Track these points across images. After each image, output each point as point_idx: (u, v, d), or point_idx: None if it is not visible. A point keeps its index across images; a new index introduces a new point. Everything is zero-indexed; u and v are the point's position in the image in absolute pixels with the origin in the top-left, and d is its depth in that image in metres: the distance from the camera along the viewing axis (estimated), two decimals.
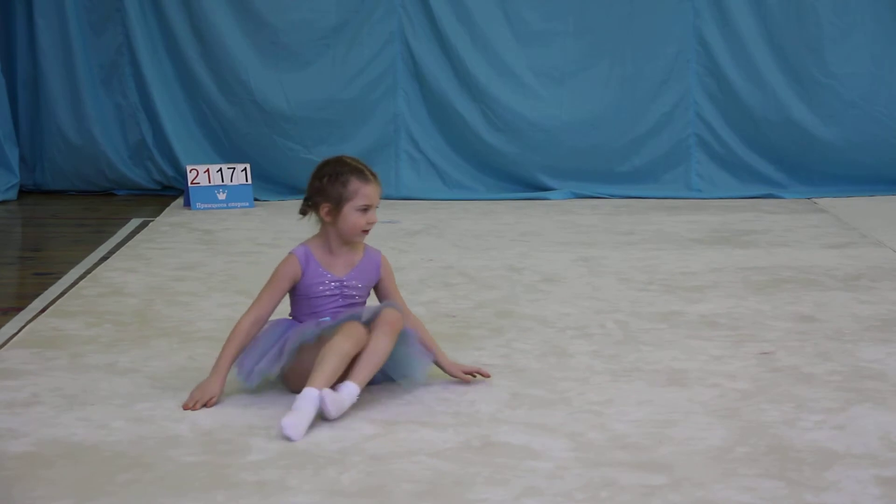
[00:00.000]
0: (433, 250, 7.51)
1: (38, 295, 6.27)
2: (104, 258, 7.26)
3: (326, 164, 4.57)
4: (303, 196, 4.63)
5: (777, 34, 9.66)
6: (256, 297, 4.57)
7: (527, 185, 9.79)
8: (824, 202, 9.34)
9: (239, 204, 9.20)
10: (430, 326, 5.55)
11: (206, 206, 9.10)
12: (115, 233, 8.17)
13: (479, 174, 9.82)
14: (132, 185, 9.98)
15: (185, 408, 4.36)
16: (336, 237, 4.56)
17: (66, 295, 6.26)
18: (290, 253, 4.57)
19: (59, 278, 6.68)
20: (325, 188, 4.50)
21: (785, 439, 4.08)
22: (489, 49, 9.74)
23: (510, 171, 9.79)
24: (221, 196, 9.19)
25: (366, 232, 4.55)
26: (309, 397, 4.17)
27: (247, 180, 9.30)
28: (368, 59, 9.74)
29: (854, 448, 3.99)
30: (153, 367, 4.92)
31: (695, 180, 9.80)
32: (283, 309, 4.67)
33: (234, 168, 9.28)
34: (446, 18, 9.73)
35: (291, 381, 4.51)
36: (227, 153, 9.80)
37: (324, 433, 4.14)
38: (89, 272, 6.82)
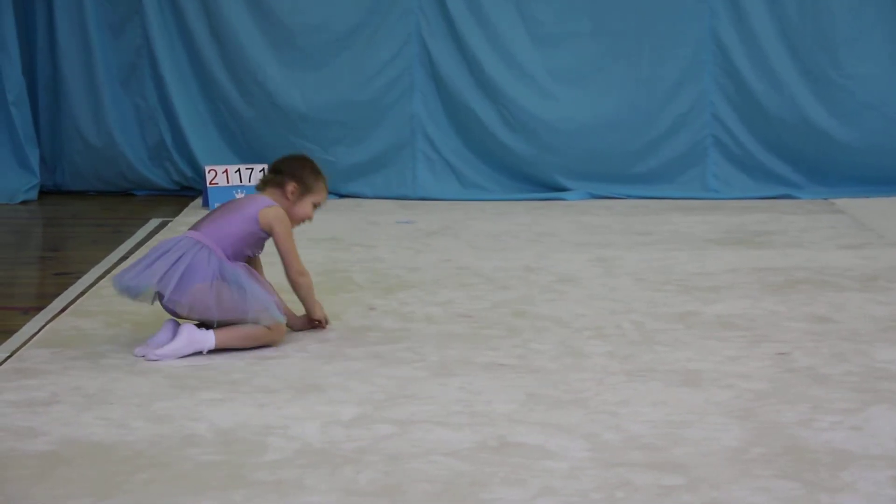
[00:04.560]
0: (449, 250, 7.52)
1: (57, 295, 6.31)
2: (123, 258, 7.29)
3: (308, 159, 5.41)
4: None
5: (793, 35, 9.64)
6: (294, 252, 5.29)
7: (543, 186, 9.79)
8: (841, 203, 9.32)
9: None
10: (447, 327, 5.60)
11: None
12: (133, 233, 8.20)
13: (495, 175, 9.82)
14: (151, 186, 10.02)
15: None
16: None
17: (85, 295, 6.29)
18: (279, 207, 5.25)
19: (79, 278, 6.72)
20: (303, 175, 5.32)
21: (800, 440, 4.09)
22: (506, 50, 9.74)
23: (526, 171, 9.79)
24: (239, 196, 9.19)
25: (305, 222, 5.39)
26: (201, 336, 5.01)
27: None
28: (386, 60, 9.75)
29: (870, 449, 3.99)
30: (172, 367, 4.95)
31: (711, 181, 9.78)
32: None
33: (252, 168, 9.31)
34: (463, 20, 9.73)
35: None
36: (245, 154, 9.83)
37: (340, 433, 4.17)
38: (109, 272, 6.86)
